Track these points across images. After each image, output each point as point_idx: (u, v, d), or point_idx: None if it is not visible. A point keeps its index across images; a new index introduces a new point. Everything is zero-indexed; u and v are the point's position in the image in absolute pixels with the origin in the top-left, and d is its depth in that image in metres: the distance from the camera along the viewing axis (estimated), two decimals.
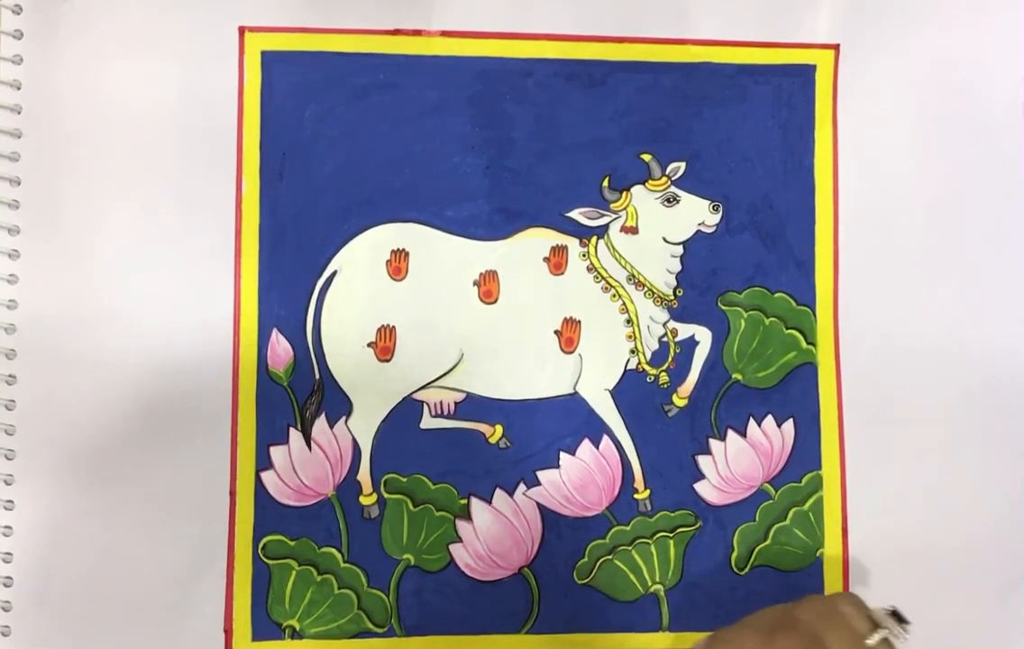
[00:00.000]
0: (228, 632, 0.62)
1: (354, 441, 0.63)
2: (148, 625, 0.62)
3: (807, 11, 0.67)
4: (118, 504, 0.62)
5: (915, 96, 0.68)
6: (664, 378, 0.65)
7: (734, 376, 0.66)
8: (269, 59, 0.64)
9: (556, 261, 0.65)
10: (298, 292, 0.63)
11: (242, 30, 0.64)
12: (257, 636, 0.62)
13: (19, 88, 0.63)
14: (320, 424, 0.63)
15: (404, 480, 0.64)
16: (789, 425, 0.66)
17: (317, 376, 0.63)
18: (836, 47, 0.67)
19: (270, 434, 0.63)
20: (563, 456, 0.65)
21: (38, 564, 0.62)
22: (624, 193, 0.66)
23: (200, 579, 0.62)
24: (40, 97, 0.63)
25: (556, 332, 0.65)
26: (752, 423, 0.66)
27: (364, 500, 0.63)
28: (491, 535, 0.64)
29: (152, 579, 0.62)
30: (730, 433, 0.66)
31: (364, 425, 0.63)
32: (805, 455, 0.66)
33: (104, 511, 0.62)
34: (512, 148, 0.65)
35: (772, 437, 0.66)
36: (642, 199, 0.66)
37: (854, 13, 0.67)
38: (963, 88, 0.68)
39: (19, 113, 0.63)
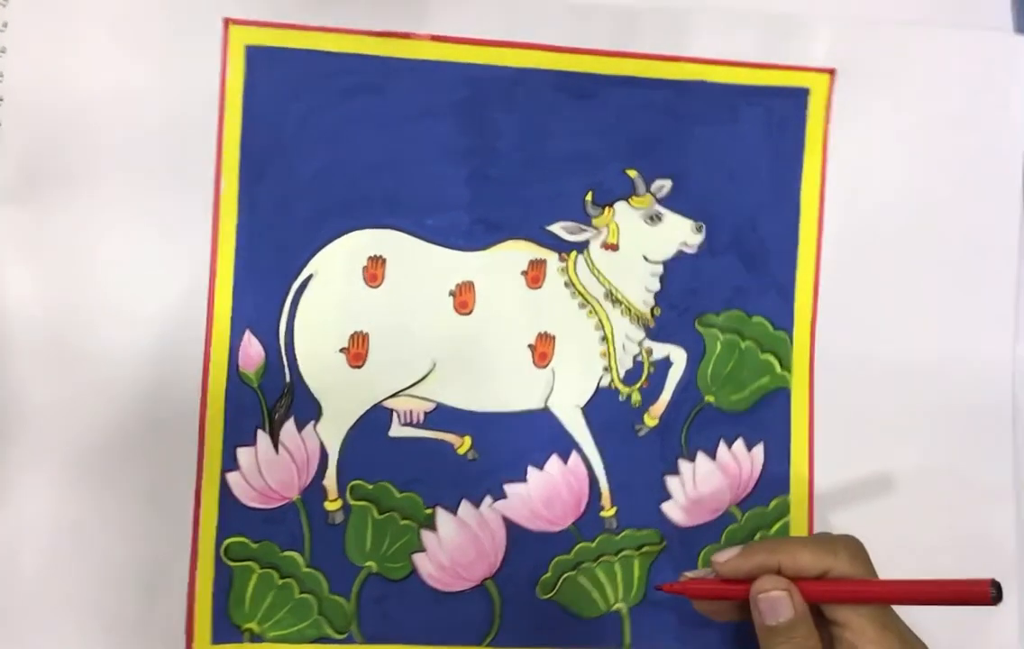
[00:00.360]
0: (189, 634, 0.62)
1: (321, 446, 0.63)
2: (110, 625, 0.61)
3: (805, 33, 0.66)
4: (85, 501, 0.62)
5: (908, 126, 0.67)
6: (636, 397, 0.65)
7: (707, 398, 0.66)
8: (253, 55, 0.63)
9: (534, 275, 0.65)
10: (273, 294, 0.63)
11: (227, 22, 0.63)
12: (217, 639, 0.62)
13: None
14: (288, 427, 0.63)
15: (370, 487, 0.63)
16: (759, 449, 0.66)
17: (287, 379, 0.63)
18: (832, 71, 0.66)
19: (238, 435, 0.63)
20: (531, 470, 0.65)
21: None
22: (607, 208, 0.65)
23: (164, 580, 0.62)
24: (18, 88, 0.62)
25: (530, 346, 0.65)
26: (722, 446, 0.66)
27: (329, 505, 0.63)
28: (455, 546, 0.64)
29: (116, 578, 0.62)
30: (699, 455, 0.66)
31: (333, 430, 0.63)
32: (774, 480, 0.66)
33: (70, 508, 0.61)
34: (496, 157, 0.64)
35: (741, 460, 0.66)
36: (625, 216, 0.65)
37: (852, 39, 0.66)
38: (957, 124, 0.67)
39: None
